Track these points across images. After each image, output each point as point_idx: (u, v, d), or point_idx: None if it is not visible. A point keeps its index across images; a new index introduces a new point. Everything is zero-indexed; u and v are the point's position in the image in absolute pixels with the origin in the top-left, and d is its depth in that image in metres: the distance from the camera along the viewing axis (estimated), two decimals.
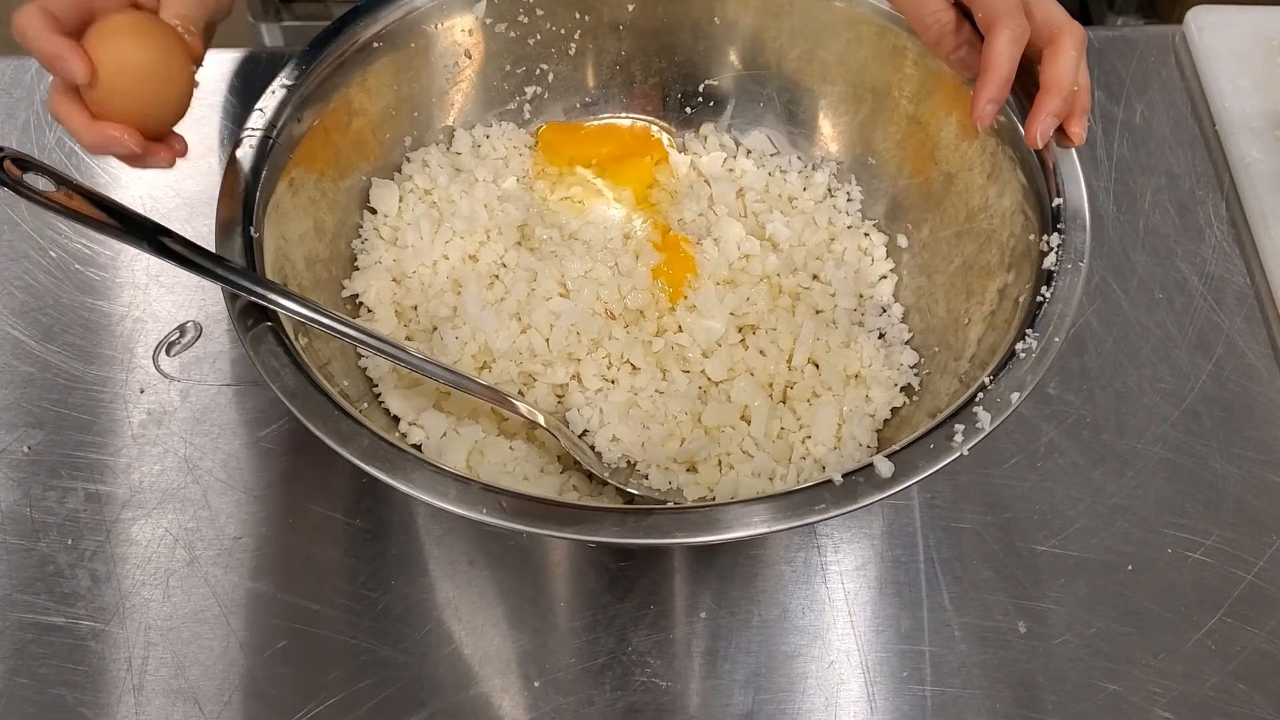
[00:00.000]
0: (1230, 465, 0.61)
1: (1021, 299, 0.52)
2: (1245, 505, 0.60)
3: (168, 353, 0.65)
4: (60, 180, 0.47)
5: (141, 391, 0.64)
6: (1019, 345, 0.49)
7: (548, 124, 0.70)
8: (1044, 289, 0.51)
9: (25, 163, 0.46)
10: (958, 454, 0.46)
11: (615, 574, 0.58)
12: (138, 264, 0.69)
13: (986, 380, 0.49)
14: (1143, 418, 0.63)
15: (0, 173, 0.45)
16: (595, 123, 0.71)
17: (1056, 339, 0.49)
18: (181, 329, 0.66)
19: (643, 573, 0.58)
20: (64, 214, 0.46)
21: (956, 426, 0.47)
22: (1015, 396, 0.47)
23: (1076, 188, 0.54)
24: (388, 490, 0.46)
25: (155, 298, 0.67)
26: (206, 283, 0.50)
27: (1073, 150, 0.55)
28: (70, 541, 0.59)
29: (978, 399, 0.48)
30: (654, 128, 0.71)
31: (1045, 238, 0.53)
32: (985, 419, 0.47)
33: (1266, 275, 0.69)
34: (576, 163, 0.68)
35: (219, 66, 0.79)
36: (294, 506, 0.60)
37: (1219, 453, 0.62)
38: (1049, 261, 0.52)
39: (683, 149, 0.71)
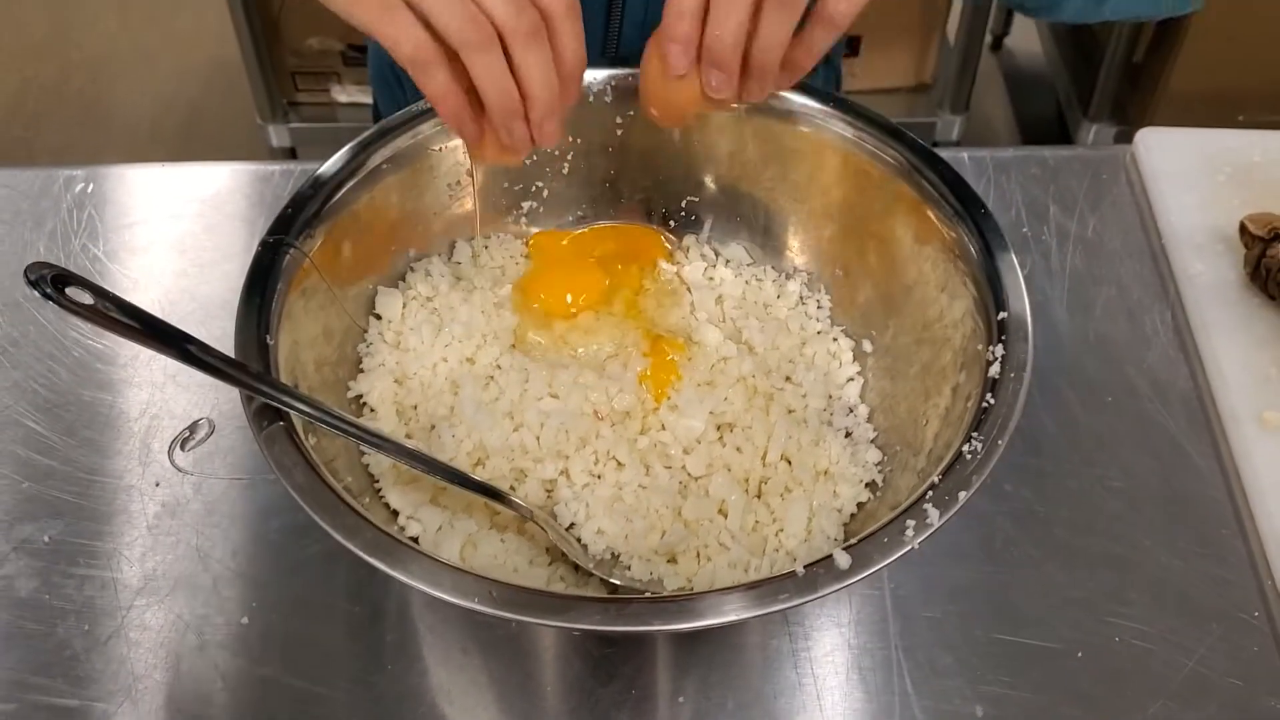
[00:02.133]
0: (1175, 558, 0.65)
1: (970, 401, 0.57)
2: (1187, 597, 0.64)
3: (182, 448, 0.70)
4: (98, 294, 0.51)
5: (157, 484, 0.68)
6: (965, 447, 0.54)
7: (538, 232, 0.75)
8: (989, 395, 0.55)
9: (67, 278, 0.51)
10: (909, 547, 0.50)
11: (599, 660, 0.61)
12: (155, 363, 0.73)
13: (936, 479, 0.53)
14: (1092, 514, 0.67)
15: (47, 288, 0.49)
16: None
17: (1000, 442, 0.53)
18: (194, 426, 0.71)
19: (625, 659, 0.62)
20: (101, 324, 0.50)
21: (908, 522, 0.51)
22: (962, 495, 0.51)
23: (1020, 302, 0.58)
24: (387, 579, 0.49)
25: (171, 395, 0.72)
26: (219, 382, 0.54)
27: (1017, 267, 0.60)
28: (86, 627, 0.62)
29: (928, 496, 0.52)
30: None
31: (991, 348, 0.58)
32: (935, 515, 0.51)
33: (1209, 380, 0.73)
34: (574, 258, 0.73)
35: (233, 177, 0.85)
36: (298, 593, 0.64)
37: (1164, 546, 0.66)
38: (994, 370, 0.57)
39: (669, 258, 0.76)
